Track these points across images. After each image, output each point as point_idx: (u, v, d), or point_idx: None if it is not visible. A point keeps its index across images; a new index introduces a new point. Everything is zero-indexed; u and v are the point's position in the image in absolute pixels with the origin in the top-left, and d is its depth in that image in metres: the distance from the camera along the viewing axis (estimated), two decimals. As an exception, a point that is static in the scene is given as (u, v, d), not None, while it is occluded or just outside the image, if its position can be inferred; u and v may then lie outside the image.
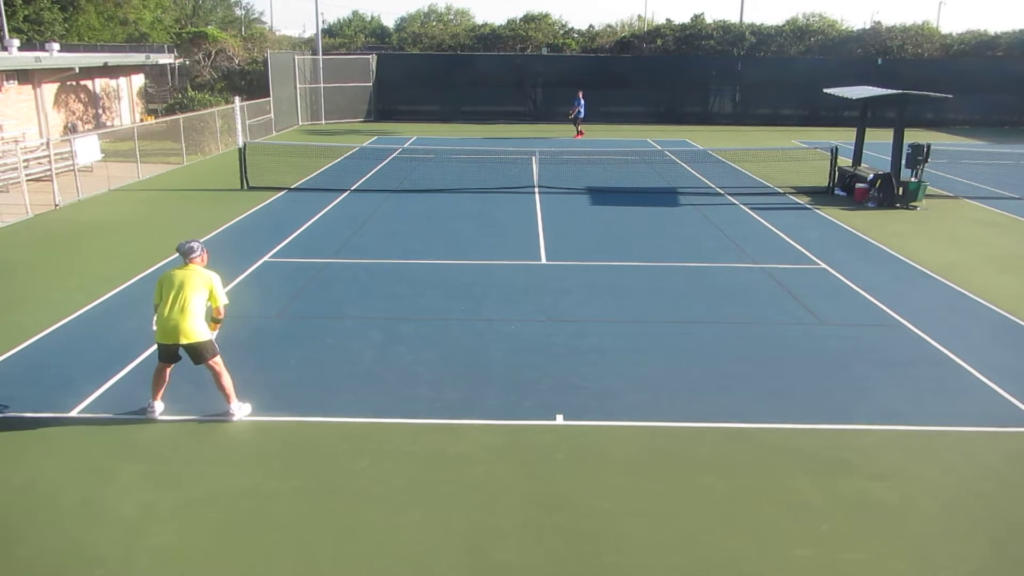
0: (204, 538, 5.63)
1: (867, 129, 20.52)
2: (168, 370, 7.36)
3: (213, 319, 7.33)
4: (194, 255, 7.26)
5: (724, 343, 9.40)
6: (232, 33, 43.37)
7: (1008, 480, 6.50)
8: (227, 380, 7.28)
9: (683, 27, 40.84)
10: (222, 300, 7.28)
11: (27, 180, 16.83)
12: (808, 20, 42.60)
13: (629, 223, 15.75)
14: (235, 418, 7.29)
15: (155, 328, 7.16)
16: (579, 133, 31.13)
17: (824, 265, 12.78)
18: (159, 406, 7.41)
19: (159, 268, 12.12)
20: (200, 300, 7.10)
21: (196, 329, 7.05)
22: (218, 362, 7.23)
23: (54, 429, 7.14)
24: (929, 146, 17.67)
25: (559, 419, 7.42)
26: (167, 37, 41.37)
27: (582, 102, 30.57)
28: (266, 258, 12.85)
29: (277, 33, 53.70)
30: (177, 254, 7.35)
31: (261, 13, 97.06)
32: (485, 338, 9.44)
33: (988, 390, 8.16)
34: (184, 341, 7.05)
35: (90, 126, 28.39)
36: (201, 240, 7.71)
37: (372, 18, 59.62)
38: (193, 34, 38.53)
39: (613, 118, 36.20)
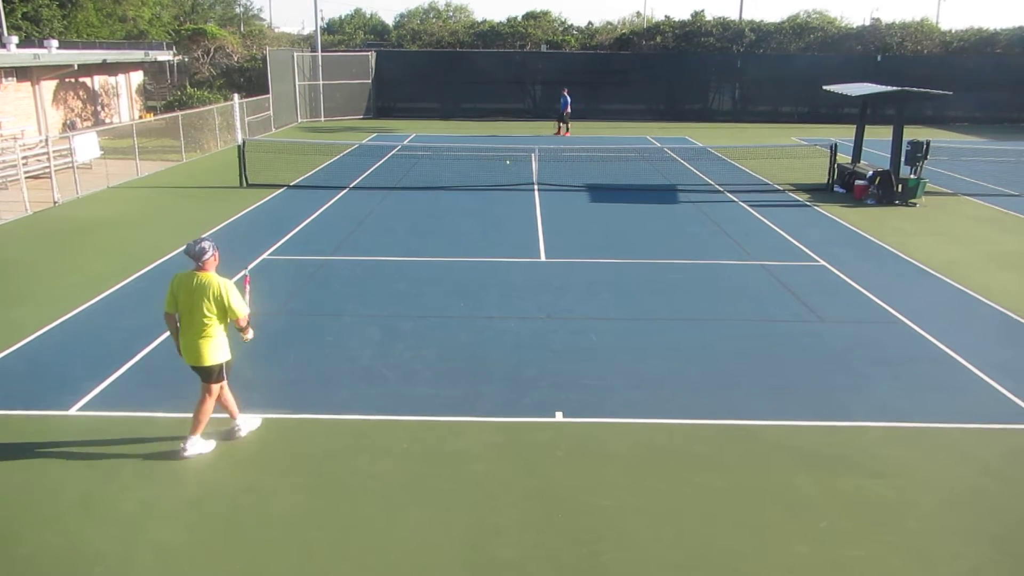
0: (204, 535, 5.63)
1: (866, 126, 20.54)
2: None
3: (237, 329, 6.67)
4: (205, 257, 6.39)
5: (723, 340, 9.40)
6: (231, 30, 43.41)
7: (1007, 477, 6.50)
8: (206, 411, 6.61)
9: (683, 24, 40.86)
10: (241, 311, 6.49)
11: (26, 177, 16.81)
12: (808, 17, 42.70)
13: (628, 220, 15.74)
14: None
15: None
16: (566, 131, 30.70)
17: (823, 262, 12.78)
18: (242, 423, 6.99)
19: (158, 265, 12.12)
20: (214, 317, 6.41)
21: (208, 352, 6.45)
22: (212, 390, 6.60)
23: (53, 426, 7.14)
24: (928, 143, 17.67)
25: (559, 416, 7.42)
26: (166, 34, 41.34)
27: (567, 99, 30.29)
28: (265, 255, 12.84)
29: (276, 30, 53.73)
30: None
31: (260, 10, 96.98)
32: (484, 335, 9.45)
33: (987, 387, 8.17)
34: (193, 363, 6.54)
35: (89, 123, 28.38)
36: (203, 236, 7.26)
37: (371, 15, 59.54)
38: (192, 31, 38.51)
39: (612, 115, 36.17)
